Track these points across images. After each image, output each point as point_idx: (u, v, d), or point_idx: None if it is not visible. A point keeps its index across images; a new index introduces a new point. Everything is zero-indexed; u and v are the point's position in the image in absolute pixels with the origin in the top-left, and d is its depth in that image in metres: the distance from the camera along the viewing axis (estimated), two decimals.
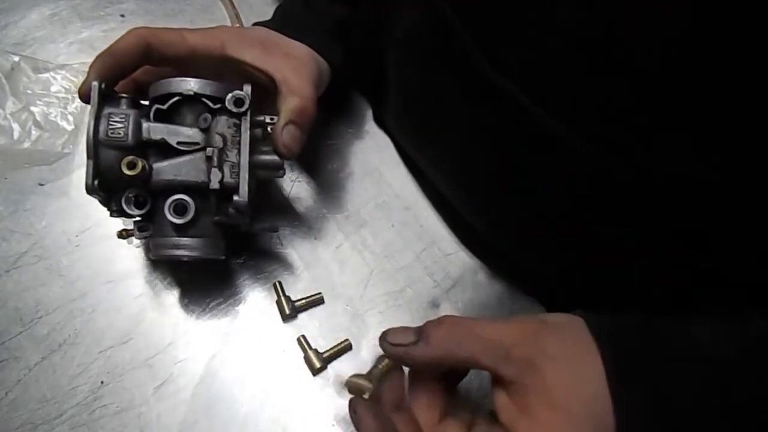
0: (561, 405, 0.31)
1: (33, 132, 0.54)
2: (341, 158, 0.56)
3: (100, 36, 0.60)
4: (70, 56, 0.58)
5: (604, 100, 0.32)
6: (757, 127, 0.28)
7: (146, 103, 0.44)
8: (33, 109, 0.55)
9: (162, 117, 0.43)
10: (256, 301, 0.49)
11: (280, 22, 0.50)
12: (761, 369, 0.32)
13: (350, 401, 0.34)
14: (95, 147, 0.40)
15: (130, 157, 0.40)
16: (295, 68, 0.46)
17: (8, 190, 0.52)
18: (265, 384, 0.46)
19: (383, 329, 0.35)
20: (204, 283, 0.49)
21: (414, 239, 0.53)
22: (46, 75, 0.56)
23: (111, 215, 0.43)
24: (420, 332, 0.34)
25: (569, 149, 0.35)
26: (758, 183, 0.30)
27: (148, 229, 0.43)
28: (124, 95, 0.43)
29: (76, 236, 0.50)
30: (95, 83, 0.41)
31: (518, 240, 0.48)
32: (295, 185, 0.54)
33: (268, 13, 0.52)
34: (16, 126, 0.54)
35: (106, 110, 0.41)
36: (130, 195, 0.42)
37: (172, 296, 0.49)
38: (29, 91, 0.55)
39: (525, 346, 0.32)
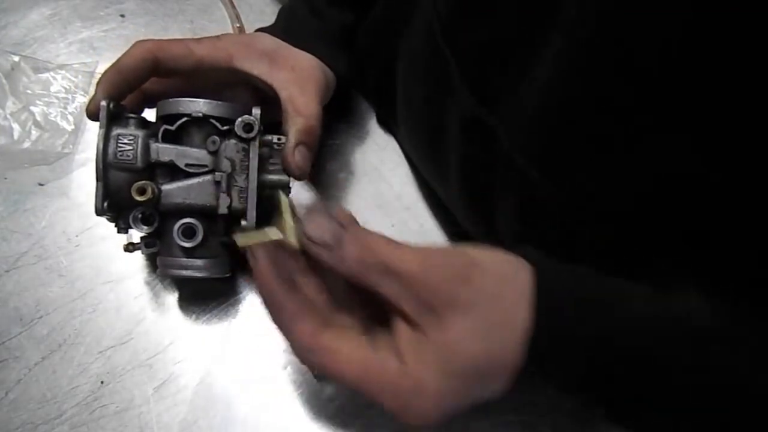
0: (451, 360, 0.30)
1: (33, 132, 0.54)
2: (341, 158, 0.56)
3: (100, 36, 0.60)
4: (70, 56, 0.58)
5: (601, 105, 0.32)
6: (757, 125, 0.28)
7: (153, 120, 0.45)
8: (33, 109, 0.55)
9: (170, 137, 0.43)
10: (256, 301, 0.49)
11: (285, 30, 0.50)
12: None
13: (252, 247, 0.34)
14: (105, 170, 0.41)
15: (141, 183, 0.40)
16: (300, 83, 0.46)
17: (8, 190, 0.51)
18: (266, 384, 0.46)
19: None
20: (204, 283, 0.49)
21: (414, 239, 0.52)
22: (46, 75, 0.56)
23: (118, 232, 0.44)
24: (338, 240, 0.32)
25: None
26: (759, 181, 0.30)
27: (155, 245, 0.44)
28: (132, 115, 0.43)
29: (76, 236, 0.50)
30: (104, 103, 0.41)
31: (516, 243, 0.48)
32: (295, 185, 0.54)
33: (267, 13, 0.52)
34: (16, 126, 0.54)
35: (115, 131, 0.41)
36: (138, 214, 0.42)
37: (172, 296, 0.49)
38: (29, 91, 0.55)
39: (437, 292, 0.31)
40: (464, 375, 0.31)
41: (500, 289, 0.32)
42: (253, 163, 0.42)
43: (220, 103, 0.43)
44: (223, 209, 0.42)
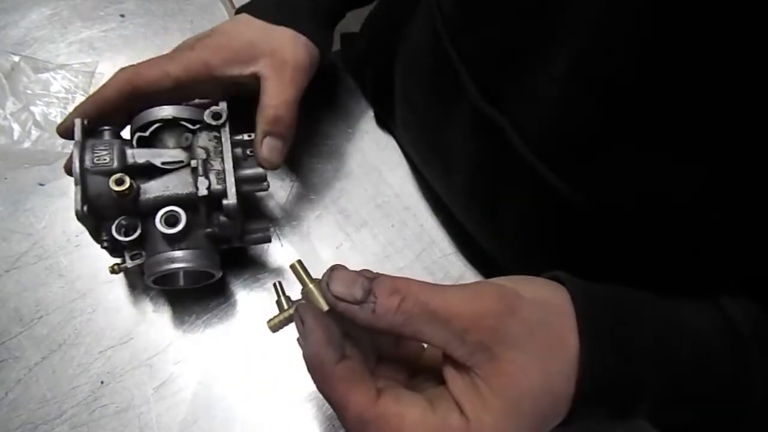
0: (512, 399, 0.29)
1: (33, 132, 0.54)
2: (341, 158, 0.56)
3: (100, 36, 0.60)
4: (70, 56, 0.58)
5: (586, 136, 0.33)
6: (732, 140, 0.28)
7: (128, 136, 0.46)
8: (33, 109, 0.55)
9: (144, 144, 0.44)
10: (255, 301, 0.49)
11: (275, 12, 0.49)
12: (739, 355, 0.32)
13: (299, 307, 0.32)
14: (82, 174, 0.41)
15: (118, 174, 0.40)
16: (278, 70, 0.46)
17: (8, 190, 0.52)
18: (266, 384, 0.46)
19: None
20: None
21: (414, 239, 0.53)
22: (46, 75, 0.56)
23: (101, 247, 0.43)
24: (368, 293, 0.29)
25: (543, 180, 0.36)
26: (742, 193, 0.30)
27: (141, 257, 0.43)
28: (106, 128, 0.44)
29: (76, 236, 0.50)
30: (78, 120, 0.42)
31: (515, 252, 0.47)
32: (295, 185, 0.54)
33: None
34: (16, 126, 0.54)
35: (90, 142, 0.42)
36: (122, 222, 0.42)
37: (172, 296, 0.49)
38: (29, 91, 0.55)
39: (483, 330, 0.29)
40: (528, 414, 0.29)
41: (545, 316, 0.30)
42: (226, 145, 0.43)
43: (187, 106, 0.45)
44: (202, 191, 0.42)
